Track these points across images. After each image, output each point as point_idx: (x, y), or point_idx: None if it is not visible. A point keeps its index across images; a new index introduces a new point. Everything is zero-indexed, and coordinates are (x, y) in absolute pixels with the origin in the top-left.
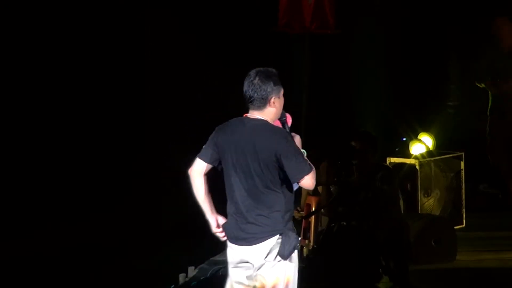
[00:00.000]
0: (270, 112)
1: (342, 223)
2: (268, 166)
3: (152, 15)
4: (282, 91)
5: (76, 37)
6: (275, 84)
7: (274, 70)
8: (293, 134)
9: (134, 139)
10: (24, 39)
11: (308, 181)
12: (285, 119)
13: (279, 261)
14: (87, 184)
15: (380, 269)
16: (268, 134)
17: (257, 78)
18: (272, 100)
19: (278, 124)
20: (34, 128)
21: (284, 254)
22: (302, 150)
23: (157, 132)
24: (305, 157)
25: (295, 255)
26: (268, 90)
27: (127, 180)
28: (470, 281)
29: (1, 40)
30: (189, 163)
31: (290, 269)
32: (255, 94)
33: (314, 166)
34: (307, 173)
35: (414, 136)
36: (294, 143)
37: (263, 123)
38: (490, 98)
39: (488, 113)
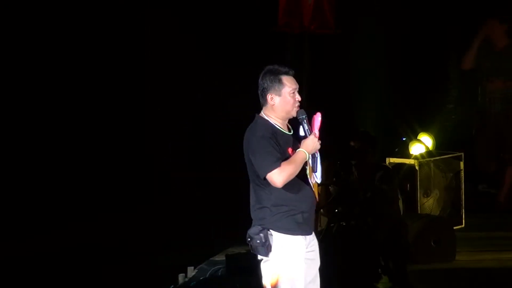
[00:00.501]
0: (271, 109)
1: (341, 223)
2: (250, 162)
3: (152, 15)
4: (286, 89)
5: (76, 37)
6: (271, 81)
7: (281, 68)
8: (313, 133)
9: (134, 139)
10: (24, 39)
11: (272, 179)
12: (304, 118)
13: (268, 259)
14: (87, 184)
15: (380, 269)
16: (248, 131)
17: (261, 75)
18: (269, 96)
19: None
20: (34, 128)
21: (251, 246)
22: (301, 150)
23: (157, 132)
24: (291, 158)
25: (289, 254)
26: (264, 86)
27: (127, 180)
28: (469, 281)
29: (1, 40)
30: (188, 163)
31: (279, 268)
32: (258, 91)
33: None
34: (269, 171)
35: (413, 136)
36: (263, 141)
37: (255, 120)
38: (479, 98)
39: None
